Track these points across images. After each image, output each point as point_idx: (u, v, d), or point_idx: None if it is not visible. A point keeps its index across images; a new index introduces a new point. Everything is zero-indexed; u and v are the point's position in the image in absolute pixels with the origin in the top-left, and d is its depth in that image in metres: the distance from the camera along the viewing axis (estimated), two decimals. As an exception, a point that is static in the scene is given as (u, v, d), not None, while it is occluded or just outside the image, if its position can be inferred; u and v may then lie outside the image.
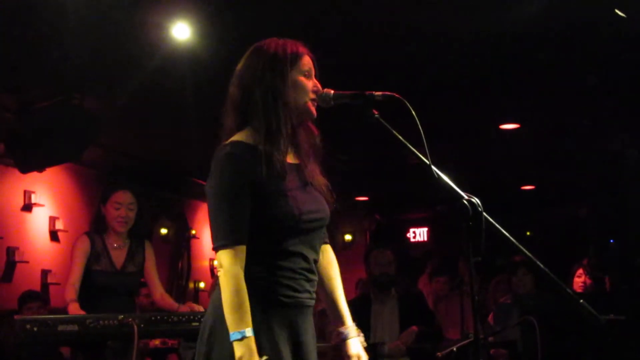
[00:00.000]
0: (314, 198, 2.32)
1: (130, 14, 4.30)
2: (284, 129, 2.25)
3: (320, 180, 2.37)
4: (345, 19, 4.60)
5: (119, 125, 6.50)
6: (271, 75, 2.27)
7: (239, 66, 2.35)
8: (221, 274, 2.16)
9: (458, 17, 4.55)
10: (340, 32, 4.76)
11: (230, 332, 2.10)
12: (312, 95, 2.33)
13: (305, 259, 2.27)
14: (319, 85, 2.35)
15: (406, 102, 2.16)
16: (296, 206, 2.23)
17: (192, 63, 4.93)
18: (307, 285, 2.28)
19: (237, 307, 2.11)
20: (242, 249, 2.17)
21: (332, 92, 2.33)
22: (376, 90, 2.27)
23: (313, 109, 2.34)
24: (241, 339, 2.08)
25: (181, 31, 4.56)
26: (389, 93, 2.24)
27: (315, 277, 2.32)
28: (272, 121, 2.24)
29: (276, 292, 2.20)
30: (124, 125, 6.63)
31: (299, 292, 2.24)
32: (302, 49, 2.34)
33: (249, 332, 2.09)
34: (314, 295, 2.32)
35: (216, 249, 2.19)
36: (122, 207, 4.03)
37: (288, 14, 4.42)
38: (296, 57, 2.31)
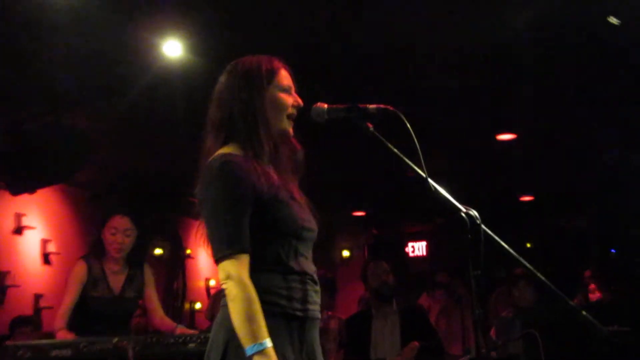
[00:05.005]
0: (304, 209, 2.30)
1: (121, 31, 4.28)
2: (266, 146, 2.25)
3: (300, 197, 2.33)
4: (338, 33, 4.58)
5: (111, 144, 6.45)
6: (248, 93, 2.25)
7: (218, 85, 2.33)
8: (229, 285, 2.05)
9: (453, 28, 4.53)
10: (334, 46, 4.74)
11: (248, 346, 1.97)
12: (291, 111, 2.31)
13: (309, 268, 2.23)
14: (299, 100, 2.34)
15: (400, 114, 2.14)
16: (296, 212, 2.22)
17: (184, 80, 4.90)
18: (315, 297, 2.23)
19: (252, 318, 1.99)
20: (247, 257, 2.09)
21: (326, 106, 2.30)
22: (371, 104, 2.24)
23: (289, 128, 2.32)
24: (262, 351, 1.96)
25: (172, 48, 4.57)
26: (382, 106, 2.22)
27: (319, 288, 2.27)
28: (254, 139, 2.22)
29: (289, 305, 2.13)
30: (116, 144, 6.58)
31: (310, 303, 2.19)
32: (277, 64, 2.32)
33: (268, 342, 1.98)
34: (319, 307, 2.27)
35: (220, 259, 2.08)
36: (117, 232, 3.97)
37: (280, 30, 4.40)
38: (272, 73, 2.29)
